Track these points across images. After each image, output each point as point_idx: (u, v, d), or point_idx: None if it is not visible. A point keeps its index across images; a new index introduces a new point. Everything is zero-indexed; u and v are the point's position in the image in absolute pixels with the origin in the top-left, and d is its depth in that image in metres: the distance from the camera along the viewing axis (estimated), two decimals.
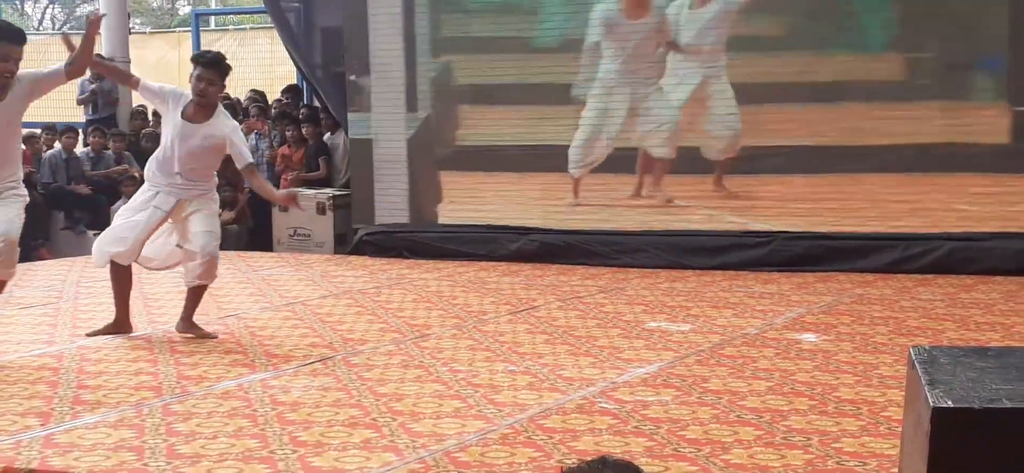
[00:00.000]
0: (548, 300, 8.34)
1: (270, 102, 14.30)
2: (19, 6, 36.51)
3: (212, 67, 6.80)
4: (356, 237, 11.07)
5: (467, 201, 10.81)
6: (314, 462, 4.48)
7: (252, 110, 13.87)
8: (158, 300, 8.49)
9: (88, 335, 7.05)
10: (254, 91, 14.53)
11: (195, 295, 6.97)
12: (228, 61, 6.95)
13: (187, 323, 6.96)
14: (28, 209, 12.41)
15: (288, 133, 12.66)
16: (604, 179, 10.37)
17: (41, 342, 7.05)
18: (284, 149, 12.64)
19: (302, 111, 13.40)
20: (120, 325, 7.07)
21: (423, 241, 10.77)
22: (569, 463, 2.69)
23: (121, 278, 7.00)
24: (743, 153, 9.89)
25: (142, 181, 7.19)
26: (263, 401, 5.44)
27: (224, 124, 6.83)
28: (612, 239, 10.16)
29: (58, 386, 5.78)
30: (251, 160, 6.95)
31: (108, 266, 6.96)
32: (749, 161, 9.87)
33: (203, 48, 18.35)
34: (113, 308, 7.14)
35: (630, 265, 9.88)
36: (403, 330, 7.25)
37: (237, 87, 16.45)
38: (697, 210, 10.12)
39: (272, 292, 8.82)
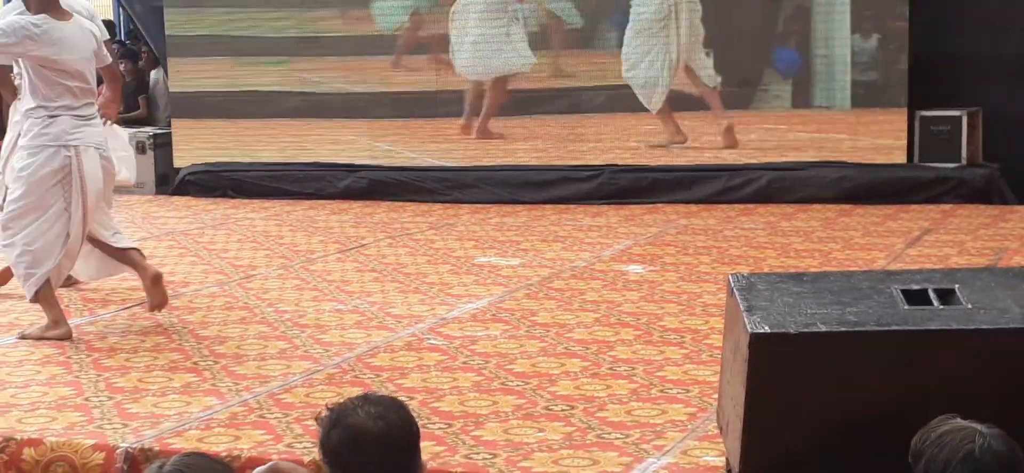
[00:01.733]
0: (377, 238, 8.24)
1: None
2: None
3: None
4: (178, 177, 10.74)
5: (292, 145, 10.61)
6: (131, 408, 4.32)
7: None
8: None
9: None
10: None
11: None
12: None
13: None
14: None
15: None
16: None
17: None
18: (101, 89, 12.13)
19: (118, 47, 12.87)
20: None
21: (248, 180, 10.49)
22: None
23: None
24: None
25: None
26: (78, 347, 5.23)
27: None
28: (443, 175, 10.08)
29: None
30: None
31: None
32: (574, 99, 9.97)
33: None
34: None
35: (461, 201, 9.81)
36: (227, 271, 7.07)
37: None
38: (525, 144, 10.11)
39: None
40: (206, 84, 10.82)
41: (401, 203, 9.86)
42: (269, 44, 10.69)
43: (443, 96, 10.29)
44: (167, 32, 10.91)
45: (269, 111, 10.68)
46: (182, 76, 10.88)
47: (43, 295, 5.41)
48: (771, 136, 9.68)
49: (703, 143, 9.76)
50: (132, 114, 11.73)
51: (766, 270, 6.64)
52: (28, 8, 5.47)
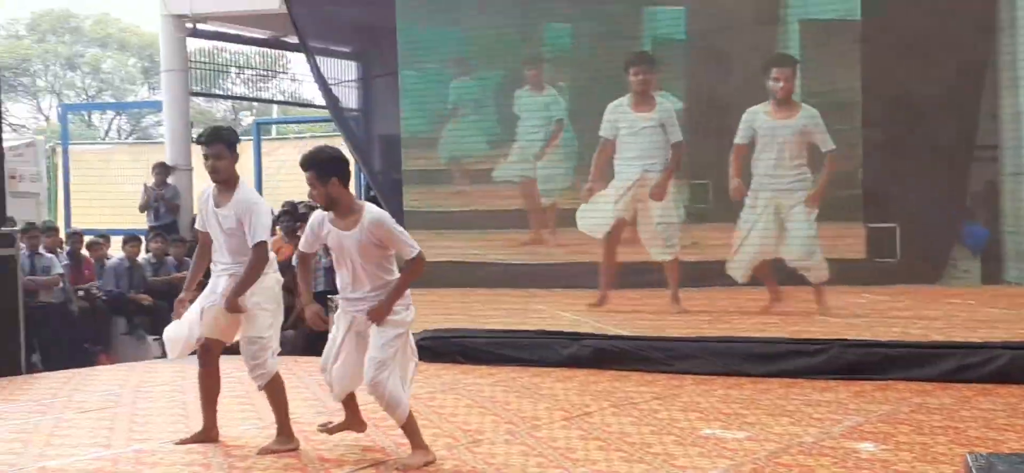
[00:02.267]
0: (602, 406, 8.27)
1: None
2: (86, 117, 37.38)
3: (213, 141, 6.43)
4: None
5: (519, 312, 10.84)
6: None
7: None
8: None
9: (176, 444, 6.94)
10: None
11: (268, 399, 6.79)
12: (229, 130, 6.63)
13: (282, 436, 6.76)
14: (88, 316, 12.66)
15: None
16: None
17: (98, 445, 7.08)
18: None
19: None
20: (208, 432, 6.97)
21: (476, 346, 10.76)
22: None
23: (205, 383, 6.91)
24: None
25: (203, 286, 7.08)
26: None
27: (242, 199, 6.48)
28: (666, 345, 10.09)
29: None
30: (261, 237, 6.42)
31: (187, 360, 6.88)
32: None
33: (264, 156, 18.71)
34: (179, 413, 7.15)
35: (685, 372, 9.79)
36: (456, 435, 7.21)
37: (300, 192, 16.59)
38: (752, 317, 10.03)
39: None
40: (439, 254, 11.18)
41: (625, 372, 9.91)
42: (498, 218, 11.01)
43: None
44: (405, 209, 11.38)
45: (496, 280, 10.97)
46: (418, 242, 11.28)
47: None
48: (959, 312, 9.38)
49: (932, 317, 9.50)
50: None
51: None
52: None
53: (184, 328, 6.71)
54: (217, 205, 6.57)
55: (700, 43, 10.33)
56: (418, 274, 6.35)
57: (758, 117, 9.92)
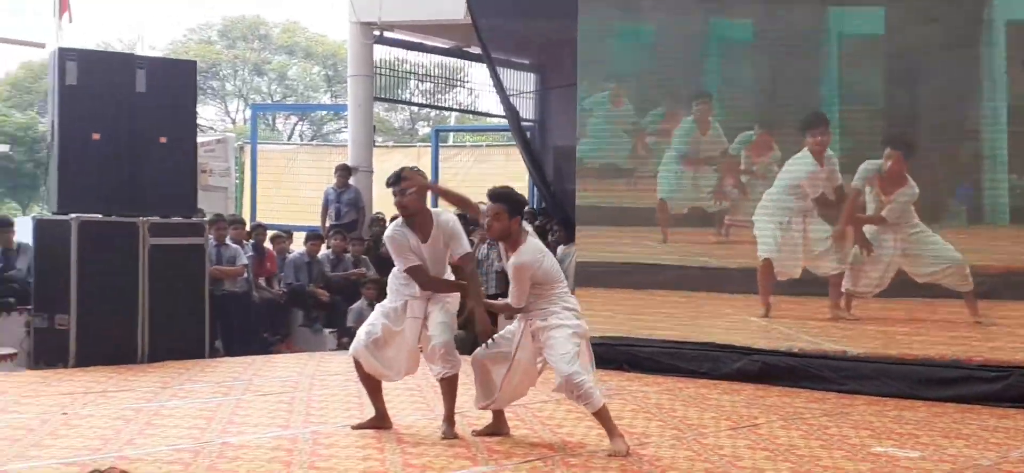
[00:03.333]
0: (770, 419, 8.19)
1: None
2: (271, 121, 38.68)
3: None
4: None
5: (687, 319, 10.77)
6: None
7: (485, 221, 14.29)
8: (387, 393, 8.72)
9: (354, 427, 7.28)
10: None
11: (446, 389, 7.08)
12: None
13: (449, 425, 7.05)
14: (269, 306, 13.12)
15: None
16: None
17: (276, 426, 7.35)
18: None
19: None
20: (381, 419, 7.29)
21: (644, 355, 10.75)
22: None
23: (367, 377, 7.23)
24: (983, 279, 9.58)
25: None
26: None
27: (443, 222, 7.05)
28: (840, 364, 9.91)
29: (291, 466, 6.02)
30: (467, 249, 7.12)
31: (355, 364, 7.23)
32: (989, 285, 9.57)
33: (441, 162, 19.07)
34: (354, 400, 7.38)
35: (858, 392, 9.60)
36: None
37: (474, 199, 16.83)
38: (936, 334, 9.74)
39: None
40: (609, 255, 11.23)
41: (794, 389, 9.78)
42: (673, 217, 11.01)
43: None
44: (578, 203, 11.46)
45: (669, 282, 10.90)
46: (589, 246, 11.36)
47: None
48: None
49: None
50: None
51: None
52: None
53: (401, 357, 7.13)
54: (422, 239, 7.00)
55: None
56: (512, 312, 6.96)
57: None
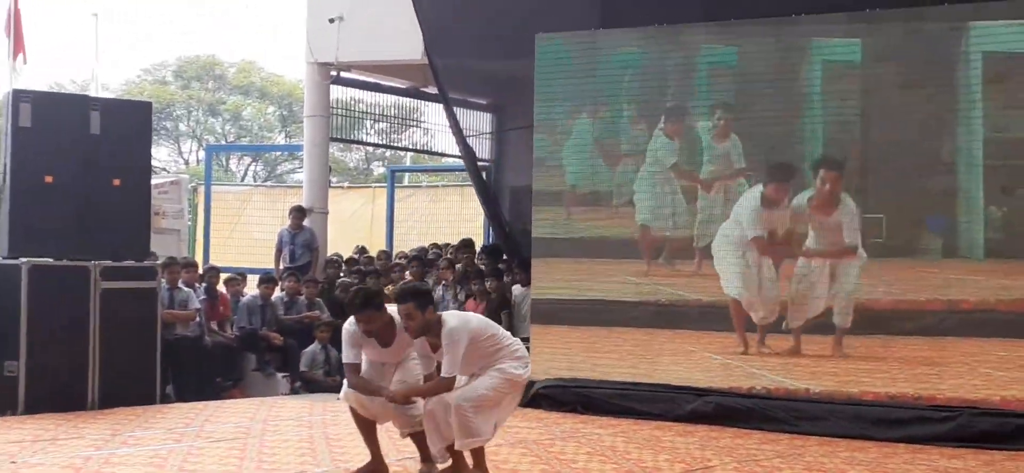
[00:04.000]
0: (723, 461, 8.25)
1: (447, 255, 14.84)
2: (224, 162, 38.56)
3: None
4: (532, 389, 11.16)
5: (641, 358, 10.82)
6: None
7: (441, 263, 14.43)
8: (341, 440, 8.71)
9: None
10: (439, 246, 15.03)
11: (416, 439, 7.22)
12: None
13: (430, 462, 7.15)
14: (222, 350, 13.03)
15: (474, 287, 13.08)
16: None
17: None
18: (470, 303, 12.99)
19: (484, 264, 13.84)
20: (376, 465, 7.32)
21: (598, 397, 10.77)
22: None
23: (362, 420, 7.26)
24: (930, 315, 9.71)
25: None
26: None
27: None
28: (793, 405, 9.99)
29: None
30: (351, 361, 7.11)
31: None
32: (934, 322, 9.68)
33: (397, 203, 19.10)
34: (305, 447, 7.35)
35: (809, 432, 9.68)
36: None
37: (427, 239, 17.09)
38: (878, 375, 9.86)
39: None
40: (565, 292, 11.24)
41: (748, 430, 9.85)
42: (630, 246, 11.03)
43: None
44: (533, 234, 11.50)
45: (622, 319, 10.92)
46: (545, 281, 11.35)
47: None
48: None
49: None
50: None
51: None
52: None
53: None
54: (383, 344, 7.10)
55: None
56: (442, 390, 6.87)
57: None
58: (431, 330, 6.81)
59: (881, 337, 9.92)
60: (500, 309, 12.71)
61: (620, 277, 11.02)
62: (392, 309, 6.94)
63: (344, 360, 7.11)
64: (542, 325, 11.29)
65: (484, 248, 15.49)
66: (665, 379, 10.64)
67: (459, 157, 15.81)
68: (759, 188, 10.43)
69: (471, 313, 7.01)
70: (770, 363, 10.26)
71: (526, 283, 12.46)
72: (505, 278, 13.30)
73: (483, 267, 13.87)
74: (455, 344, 6.69)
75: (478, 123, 16.77)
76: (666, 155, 10.93)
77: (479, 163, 15.48)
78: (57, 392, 10.25)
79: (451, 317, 6.86)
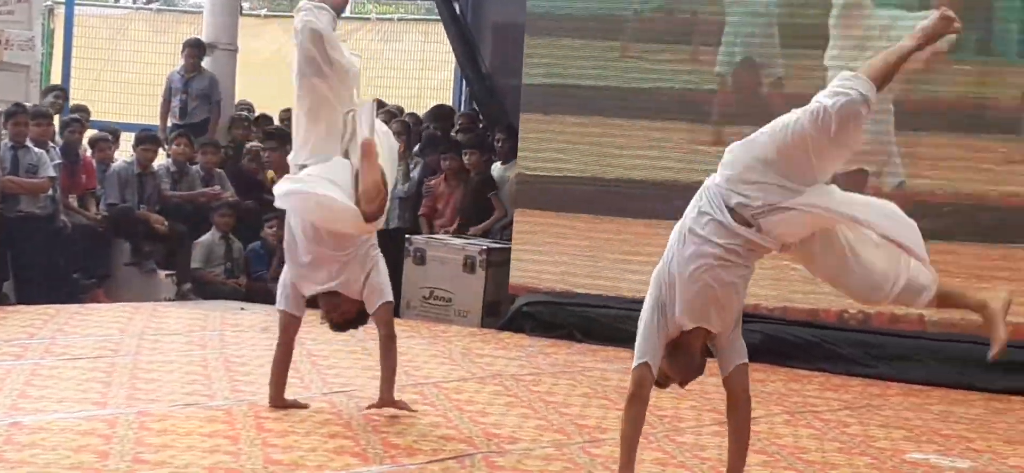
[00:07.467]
0: (770, 412, 8.30)
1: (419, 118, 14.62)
2: None
3: None
4: (513, 307, 11.17)
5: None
6: None
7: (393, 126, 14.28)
8: (245, 363, 8.73)
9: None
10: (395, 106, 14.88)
11: None
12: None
13: None
14: (83, 236, 12.98)
15: (443, 163, 12.85)
16: None
17: (89, 402, 7.31)
18: (438, 183, 12.80)
19: (462, 134, 13.59)
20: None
21: (602, 321, 10.77)
22: None
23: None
24: None
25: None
26: None
27: None
28: (866, 338, 10.05)
29: (109, 457, 6.00)
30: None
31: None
32: None
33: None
34: (198, 370, 7.41)
35: (890, 377, 9.75)
36: (568, 430, 7.32)
37: (375, 93, 16.94)
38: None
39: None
40: (562, 167, 11.23)
41: (806, 372, 9.90)
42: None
43: None
44: (524, 81, 11.48)
45: (641, 209, 10.91)
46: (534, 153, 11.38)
47: None
48: None
49: None
50: (482, 226, 12.30)
51: None
52: None
53: None
54: None
55: None
56: None
57: None
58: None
59: (1002, 247, 9.95)
60: (484, 192, 12.50)
61: (644, 145, 10.99)
62: None
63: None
64: (528, 212, 11.23)
65: (448, 111, 15.32)
66: None
67: None
68: None
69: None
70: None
71: (511, 156, 12.33)
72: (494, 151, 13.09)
73: (459, 137, 13.65)
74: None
75: None
76: None
77: None
78: None
79: None
